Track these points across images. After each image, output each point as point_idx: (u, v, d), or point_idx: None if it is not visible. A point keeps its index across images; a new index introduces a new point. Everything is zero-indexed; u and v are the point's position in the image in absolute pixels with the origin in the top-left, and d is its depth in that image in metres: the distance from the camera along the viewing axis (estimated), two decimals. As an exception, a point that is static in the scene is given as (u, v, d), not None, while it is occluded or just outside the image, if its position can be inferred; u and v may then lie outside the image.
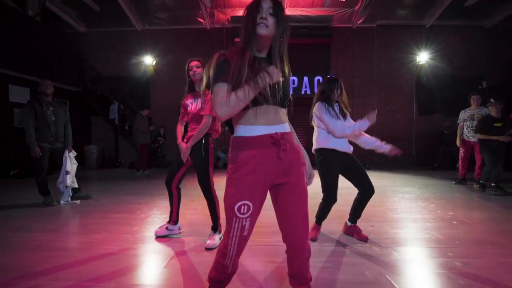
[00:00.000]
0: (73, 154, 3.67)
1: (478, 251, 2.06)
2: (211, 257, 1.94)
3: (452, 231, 2.50)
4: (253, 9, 1.10)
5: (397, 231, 2.50)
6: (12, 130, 6.12)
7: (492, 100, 4.70)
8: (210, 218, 2.30)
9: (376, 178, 5.73)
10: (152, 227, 2.60)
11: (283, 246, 1.21)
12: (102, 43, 8.47)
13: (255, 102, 1.09)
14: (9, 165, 5.91)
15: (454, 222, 2.76)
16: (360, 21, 8.14)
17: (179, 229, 2.42)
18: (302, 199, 1.16)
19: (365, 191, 2.27)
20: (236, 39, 8.24)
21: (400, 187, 4.72)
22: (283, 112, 1.19)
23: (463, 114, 4.73)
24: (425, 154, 8.13)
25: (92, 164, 7.94)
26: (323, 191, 2.27)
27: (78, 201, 3.61)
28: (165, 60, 8.50)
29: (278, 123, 1.14)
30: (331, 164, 2.23)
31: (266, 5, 1.10)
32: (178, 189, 2.37)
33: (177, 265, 1.86)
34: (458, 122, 4.82)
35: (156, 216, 3.01)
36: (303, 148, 1.25)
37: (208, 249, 2.09)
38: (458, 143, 4.84)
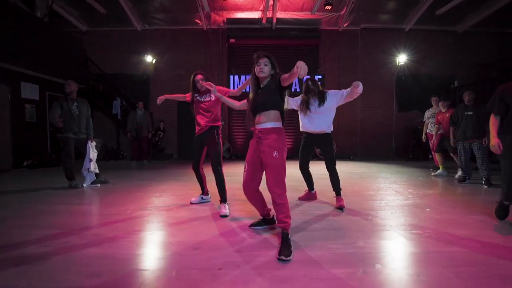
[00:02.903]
0: (94, 143, 4.23)
1: (419, 213, 2.79)
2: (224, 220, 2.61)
3: (406, 202, 3.24)
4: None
5: (366, 202, 3.22)
6: (24, 124, 6.57)
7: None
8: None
9: (357, 167, 6.53)
10: (168, 200, 3.25)
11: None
12: (104, 42, 8.90)
13: (254, 114, 2.10)
14: (23, 156, 6.39)
15: (409, 196, 3.51)
16: (346, 25, 8.84)
17: (209, 198, 3.27)
18: (270, 171, 1.98)
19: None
20: (231, 39, 8.82)
21: (376, 173, 5.48)
22: (271, 114, 2.00)
23: (427, 113, 5.54)
24: (404, 146, 8.96)
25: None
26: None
27: (98, 185, 4.19)
28: (164, 59, 9.00)
29: (262, 123, 2.03)
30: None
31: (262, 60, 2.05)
32: (202, 170, 3.11)
33: (182, 224, 2.52)
34: (424, 120, 5.60)
35: (170, 193, 3.64)
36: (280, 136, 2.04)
37: (223, 216, 2.68)
38: (423, 137, 5.62)
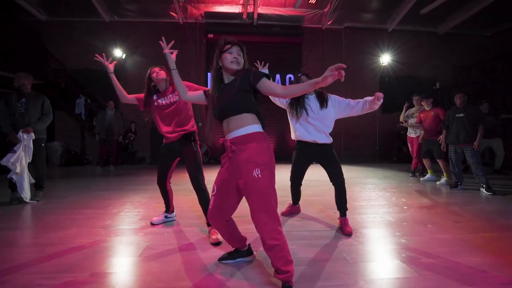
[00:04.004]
0: (30, 136, 3.32)
1: (419, 230, 2.40)
2: (186, 249, 2.07)
3: (402, 215, 2.84)
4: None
5: (356, 217, 2.79)
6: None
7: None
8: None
9: (344, 171, 6.14)
10: (126, 221, 2.65)
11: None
12: (67, 34, 8.00)
13: (220, 119, 1.54)
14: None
15: (405, 207, 3.13)
16: (329, 23, 8.54)
17: (175, 216, 2.70)
18: (253, 199, 1.41)
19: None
20: (209, 35, 8.24)
21: (362, 179, 5.13)
22: (244, 118, 1.46)
23: (409, 111, 5.36)
24: (387, 148, 8.79)
25: (56, 161, 7.54)
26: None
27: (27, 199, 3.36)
28: (136, 54, 8.26)
29: (234, 130, 1.46)
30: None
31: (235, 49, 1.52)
32: (170, 184, 2.58)
33: (151, 254, 1.95)
34: (404, 120, 5.38)
35: (129, 211, 3.03)
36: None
37: (216, 244, 2.07)
38: (401, 118, 5.40)
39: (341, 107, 2.38)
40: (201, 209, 2.34)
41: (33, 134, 3.35)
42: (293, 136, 2.58)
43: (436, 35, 9.11)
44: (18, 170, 3.22)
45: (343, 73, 1.20)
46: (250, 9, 7.98)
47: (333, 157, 2.46)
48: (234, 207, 1.61)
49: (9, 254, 1.94)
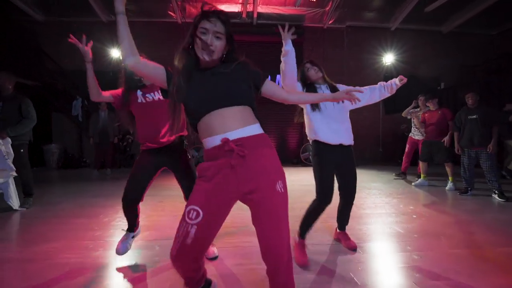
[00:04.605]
0: (6, 141, 3.08)
1: (432, 244, 2.22)
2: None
3: (411, 225, 2.67)
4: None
5: (362, 227, 2.61)
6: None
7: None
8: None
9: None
10: (117, 232, 2.48)
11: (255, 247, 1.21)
12: (64, 34, 7.82)
13: (201, 112, 1.08)
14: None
15: (414, 216, 2.95)
16: (330, 22, 8.35)
17: (139, 230, 2.13)
18: (273, 221, 1.03)
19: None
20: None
21: (367, 183, 4.95)
22: (244, 112, 1.09)
23: (413, 110, 5.22)
24: (391, 150, 8.60)
25: (53, 164, 7.40)
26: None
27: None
28: (133, 54, 8.09)
29: (236, 128, 1.06)
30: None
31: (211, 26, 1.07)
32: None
33: (143, 270, 1.79)
34: (408, 116, 5.32)
35: (122, 220, 2.86)
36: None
37: (213, 258, 1.93)
38: (404, 113, 5.43)
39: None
40: None
41: (9, 139, 3.12)
42: (313, 135, 1.99)
43: (441, 33, 8.91)
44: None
45: (356, 97, 1.20)
46: (249, 8, 7.81)
47: (353, 164, 2.05)
48: (213, 238, 1.12)
49: (-15, 273, 1.78)
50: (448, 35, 8.89)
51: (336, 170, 2.01)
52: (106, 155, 6.31)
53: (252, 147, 1.06)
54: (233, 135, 1.05)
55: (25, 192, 3.39)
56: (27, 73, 6.84)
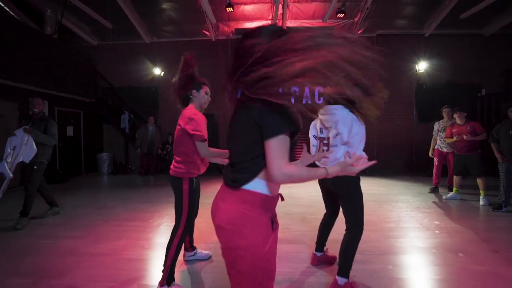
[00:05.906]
0: (28, 135, 3.34)
1: (451, 261, 2.34)
2: (218, 261, 2.27)
3: (432, 240, 2.77)
4: None
5: (383, 240, 2.78)
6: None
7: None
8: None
9: (375, 185, 5.95)
10: (164, 235, 2.95)
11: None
12: (114, 55, 8.92)
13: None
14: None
15: (437, 232, 3.03)
16: (360, 32, 8.40)
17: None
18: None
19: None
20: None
21: (395, 195, 4.95)
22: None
23: (437, 126, 5.03)
24: (424, 160, 8.32)
25: (104, 170, 8.38)
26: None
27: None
28: (172, 71, 8.88)
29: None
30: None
31: None
32: None
33: (187, 269, 2.19)
34: (433, 134, 5.10)
35: (168, 224, 3.35)
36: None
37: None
38: (430, 153, 5.19)
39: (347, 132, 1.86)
40: None
41: (32, 138, 3.34)
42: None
43: (482, 37, 8.46)
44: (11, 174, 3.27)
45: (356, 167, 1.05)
46: (279, 23, 8.19)
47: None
48: None
49: (68, 262, 2.32)
50: (490, 38, 8.41)
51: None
52: (150, 164, 7.09)
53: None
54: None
55: (22, 211, 3.32)
56: (84, 90, 7.92)
